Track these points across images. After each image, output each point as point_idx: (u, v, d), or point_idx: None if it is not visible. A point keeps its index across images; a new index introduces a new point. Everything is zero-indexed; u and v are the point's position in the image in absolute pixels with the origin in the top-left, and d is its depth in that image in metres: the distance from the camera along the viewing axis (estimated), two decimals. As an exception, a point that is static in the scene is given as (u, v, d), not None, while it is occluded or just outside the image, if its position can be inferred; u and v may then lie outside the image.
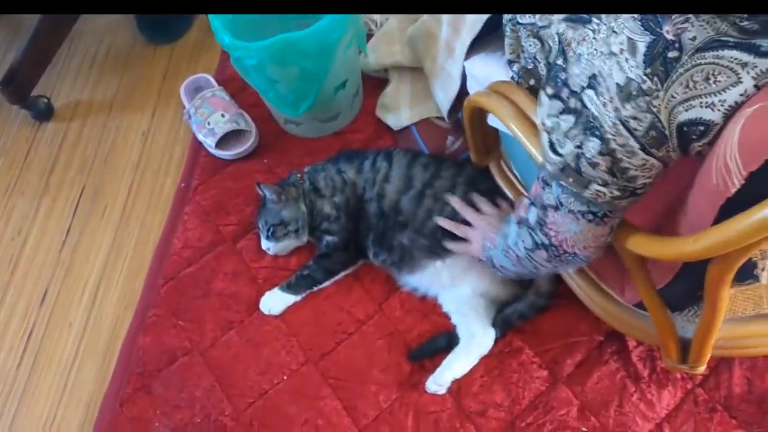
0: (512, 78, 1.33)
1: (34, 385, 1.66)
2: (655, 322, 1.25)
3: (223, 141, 1.87)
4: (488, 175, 1.62)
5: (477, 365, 1.48)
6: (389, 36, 1.91)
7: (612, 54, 0.83)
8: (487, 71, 1.44)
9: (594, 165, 0.89)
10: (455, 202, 1.52)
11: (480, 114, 1.47)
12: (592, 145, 0.88)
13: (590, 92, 0.87)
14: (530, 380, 1.47)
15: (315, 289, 1.64)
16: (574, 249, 1.03)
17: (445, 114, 1.71)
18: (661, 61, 0.80)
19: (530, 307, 1.52)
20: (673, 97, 0.81)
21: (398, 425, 1.46)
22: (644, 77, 0.81)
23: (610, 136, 0.86)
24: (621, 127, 0.85)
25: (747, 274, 1.12)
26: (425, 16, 1.73)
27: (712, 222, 0.91)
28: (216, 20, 1.63)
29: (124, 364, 1.64)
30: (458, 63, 1.54)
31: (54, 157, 2.03)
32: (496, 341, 1.49)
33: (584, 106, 0.88)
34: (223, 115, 1.87)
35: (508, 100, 1.29)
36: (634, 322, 1.36)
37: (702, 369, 1.30)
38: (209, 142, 1.87)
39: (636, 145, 0.86)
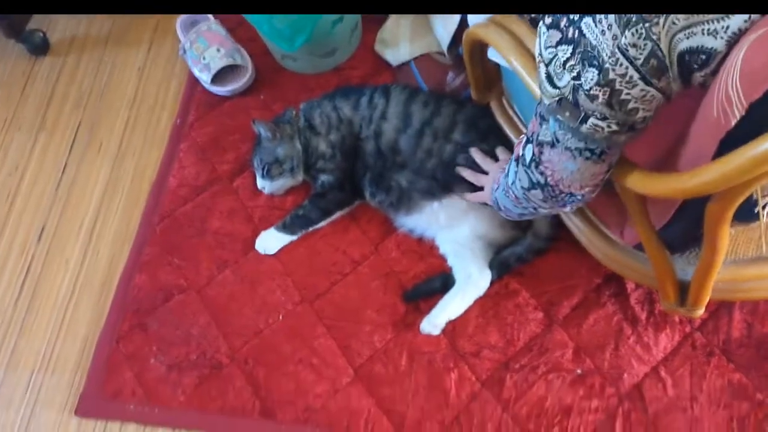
0: (514, 10, 1.28)
1: (32, 319, 1.67)
2: (654, 264, 1.23)
3: (219, 76, 1.82)
4: (489, 113, 1.57)
5: (472, 307, 1.47)
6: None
7: None
8: (488, 3, 1.39)
9: (592, 97, 0.85)
10: (476, 153, 1.47)
11: (480, 48, 1.41)
12: (590, 76, 0.83)
13: (588, 20, 0.82)
14: (525, 322, 1.46)
15: (311, 229, 1.62)
16: (570, 188, 0.99)
17: (445, 49, 1.65)
18: None
19: (528, 250, 1.49)
20: (673, 23, 0.76)
21: (392, 364, 1.46)
22: None
23: (608, 65, 0.81)
24: (620, 56, 0.80)
25: (749, 213, 1.08)
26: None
27: (713, 157, 0.88)
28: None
29: (120, 300, 1.64)
30: (458, -5, 1.48)
31: (50, 92, 1.99)
32: (493, 283, 1.47)
33: (582, 34, 0.83)
34: (218, 50, 1.82)
35: (507, 32, 1.24)
36: (633, 264, 1.33)
37: (700, 312, 1.27)
38: (205, 78, 1.82)
39: (636, 75, 0.81)
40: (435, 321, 1.45)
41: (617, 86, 0.82)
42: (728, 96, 0.80)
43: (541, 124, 0.97)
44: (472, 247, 1.49)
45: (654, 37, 0.78)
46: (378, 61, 1.83)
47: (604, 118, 0.87)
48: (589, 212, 1.37)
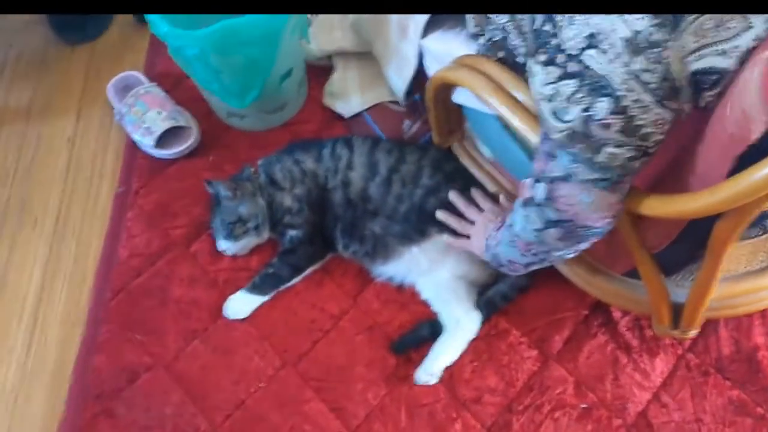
0: (477, 52, 1.29)
1: (-27, 424, 1.49)
2: (649, 289, 1.24)
3: (162, 140, 1.74)
4: (452, 156, 1.57)
5: (465, 351, 1.43)
6: (328, 23, 1.83)
7: None
8: (447, 48, 1.39)
9: (605, 126, 0.86)
10: (457, 199, 1.45)
11: (445, 92, 1.42)
12: (602, 105, 0.84)
13: (592, 52, 0.83)
14: (521, 361, 1.44)
15: (282, 287, 1.54)
16: (588, 221, 0.98)
17: (401, 97, 1.64)
18: None
19: (512, 287, 1.48)
20: (683, 47, 0.79)
21: (392, 422, 1.39)
22: (652, 29, 0.78)
23: (621, 93, 0.82)
24: (633, 82, 0.82)
25: (752, 227, 1.12)
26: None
27: (728, 173, 0.90)
28: (151, 9, 1.51)
29: (78, 388, 1.49)
30: (413, 42, 1.49)
31: (-32, 170, 1.84)
32: (482, 324, 1.45)
33: (587, 67, 0.84)
34: (159, 113, 1.74)
35: (479, 73, 1.24)
36: (621, 292, 1.35)
37: (694, 333, 1.30)
38: (148, 142, 1.73)
39: (650, 99, 0.83)
40: (431, 369, 1.41)
41: (631, 112, 0.84)
42: (745, 113, 0.83)
43: (549, 162, 0.96)
44: (455, 288, 1.47)
45: (665, 61, 0.80)
46: (327, 114, 1.80)
47: (619, 146, 0.88)
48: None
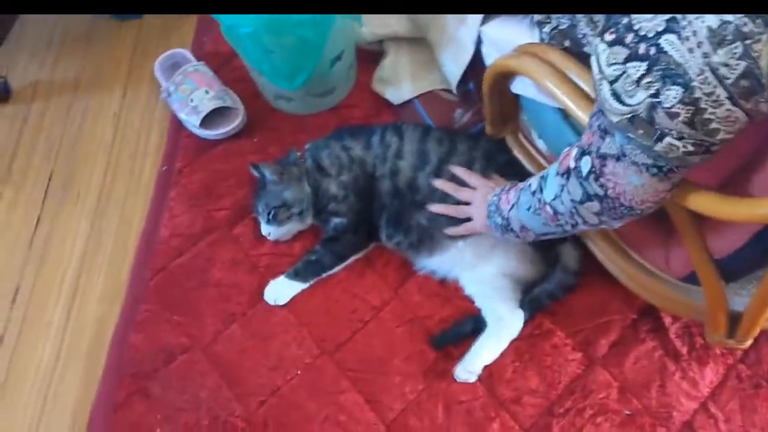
0: (542, 40, 1.25)
1: (9, 396, 1.48)
2: (708, 296, 1.19)
3: (208, 120, 1.71)
4: (505, 147, 1.53)
5: (507, 350, 1.39)
6: (382, 6, 1.79)
7: None
8: (508, 35, 1.35)
9: (673, 115, 0.80)
10: (444, 185, 1.43)
11: (502, 81, 1.37)
12: (673, 94, 0.79)
13: (671, 36, 0.77)
14: (565, 363, 1.39)
15: (324, 275, 1.52)
16: (632, 203, 0.95)
17: (454, 85, 1.60)
18: None
19: (559, 286, 1.44)
20: None
21: (428, 417, 1.36)
22: (746, 18, 0.72)
23: (696, 83, 0.77)
24: (709, 74, 0.76)
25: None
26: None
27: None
28: (205, -15, 1.49)
29: (114, 365, 1.48)
30: (472, 29, 1.44)
31: (15, 142, 1.83)
32: (525, 324, 1.41)
33: (662, 51, 0.78)
34: (207, 92, 1.72)
35: (543, 62, 1.20)
36: (676, 297, 1.29)
37: (749, 343, 1.24)
38: (193, 121, 1.71)
39: (724, 94, 0.77)
40: (471, 367, 1.37)
41: (702, 105, 0.78)
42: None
43: (603, 137, 0.92)
44: (499, 286, 1.43)
45: (754, 55, 0.74)
46: (377, 100, 1.76)
47: (681, 138, 0.83)
48: (626, 244, 1.33)
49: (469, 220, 1.38)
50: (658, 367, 1.38)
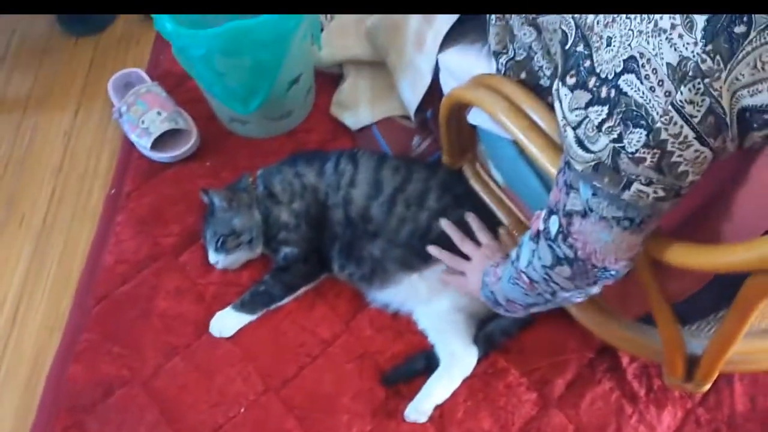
0: (498, 71, 1.21)
1: (-62, 428, 1.42)
2: (664, 339, 1.14)
3: (160, 142, 1.66)
4: (462, 178, 1.49)
5: (459, 388, 1.34)
6: (343, 28, 1.74)
7: (661, 30, 0.70)
8: (466, 64, 1.31)
9: (638, 160, 0.76)
10: (451, 231, 1.38)
11: (459, 111, 1.33)
12: (636, 138, 0.75)
13: (630, 77, 0.73)
14: (519, 404, 1.34)
15: (272, 306, 1.46)
16: (605, 262, 0.90)
17: (412, 113, 1.56)
18: (725, 37, 0.67)
19: (514, 323, 1.39)
20: (737, 79, 0.69)
21: (375, 459, 1.31)
22: (704, 56, 0.68)
23: (660, 125, 0.72)
24: (674, 114, 0.72)
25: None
26: (388, 6, 1.58)
27: (768, 229, 0.81)
28: (155, 5, 1.44)
29: (51, 397, 1.41)
30: (430, 56, 1.40)
31: (-41, 159, 1.77)
32: (479, 361, 1.36)
33: (622, 93, 0.74)
34: (159, 113, 1.67)
35: (499, 94, 1.16)
36: (633, 337, 1.25)
37: (707, 387, 1.20)
38: (144, 143, 1.66)
39: (691, 134, 0.73)
40: (421, 407, 1.32)
41: (669, 147, 0.74)
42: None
43: (568, 193, 0.88)
44: (454, 320, 1.38)
45: (715, 93, 0.70)
46: (333, 125, 1.72)
47: (649, 183, 0.78)
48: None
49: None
50: (615, 409, 1.33)
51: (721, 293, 1.01)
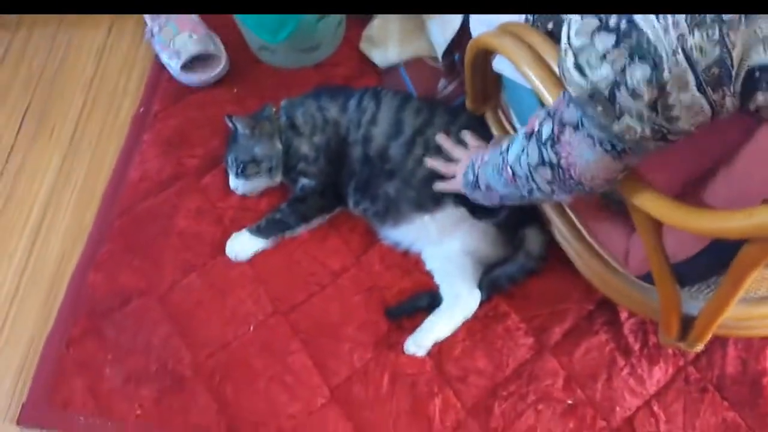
0: (527, 20, 1.21)
1: (-34, 319, 1.50)
2: (662, 297, 1.17)
3: (190, 65, 1.69)
4: (484, 124, 1.50)
5: (459, 328, 1.39)
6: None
7: None
8: (495, 11, 1.32)
9: (636, 96, 0.76)
10: (443, 140, 1.41)
11: (485, 57, 1.34)
12: (639, 73, 0.74)
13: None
14: (515, 347, 1.39)
15: (287, 235, 1.51)
16: (581, 177, 0.93)
17: (440, 55, 1.57)
18: None
19: (520, 270, 1.43)
20: (755, 32, 0.69)
21: (373, 386, 1.36)
22: None
23: (666, 64, 0.73)
24: (681, 56, 0.72)
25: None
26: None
27: (770, 195, 0.82)
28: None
29: (71, 302, 1.49)
30: (460, 1, 1.41)
31: (-6, 69, 1.81)
32: (482, 304, 1.40)
33: (634, 27, 0.75)
34: (191, 36, 1.69)
35: (524, 43, 1.16)
36: (633, 293, 1.28)
37: (700, 347, 1.24)
38: (174, 65, 1.69)
39: (693, 80, 0.73)
40: (421, 341, 1.37)
41: (668, 88, 0.74)
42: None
43: (568, 105, 0.89)
44: (461, 264, 1.41)
45: (728, 43, 0.71)
46: (362, 61, 1.73)
47: (640, 120, 0.79)
48: (590, 236, 1.32)
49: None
50: (608, 361, 1.37)
51: (720, 257, 1.03)
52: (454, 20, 1.47)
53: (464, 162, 1.33)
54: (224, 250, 1.51)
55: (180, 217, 1.55)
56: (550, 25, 1.16)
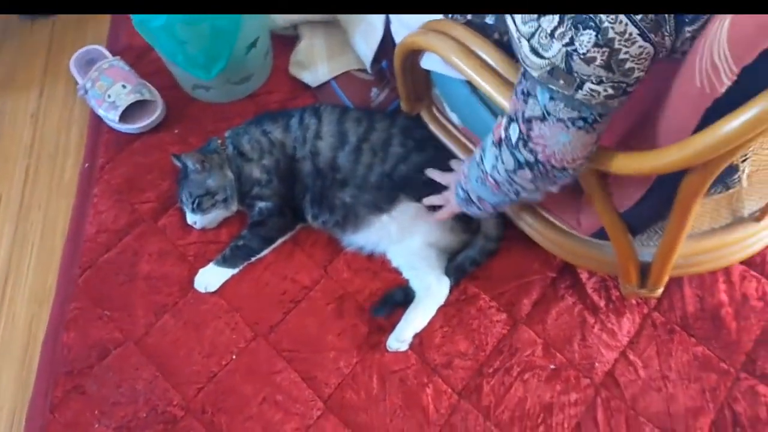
0: (445, 16, 1.28)
1: (-59, 403, 1.47)
2: (617, 249, 1.25)
3: (127, 114, 1.71)
4: (421, 123, 1.56)
5: (435, 316, 1.44)
6: (294, -10, 1.80)
7: None
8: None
9: (589, 60, 0.84)
10: (432, 174, 1.44)
11: (413, 58, 1.40)
12: (586, 39, 0.82)
13: None
14: (491, 325, 1.44)
15: (252, 259, 1.54)
16: (563, 163, 0.98)
17: (368, 65, 1.63)
18: None
19: (481, 252, 1.49)
20: None
21: (364, 389, 1.40)
22: None
23: (607, 24, 0.80)
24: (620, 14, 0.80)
25: (721, 182, 1.12)
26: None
27: (695, 128, 0.90)
28: (111, -20, 1.48)
29: (47, 365, 1.48)
30: (380, 10, 1.47)
31: (-72, 146, 1.80)
32: (451, 290, 1.46)
33: None
34: (124, 86, 1.72)
35: (449, 37, 1.23)
36: (589, 253, 1.35)
37: (660, 291, 1.31)
38: (112, 117, 1.70)
39: (635, 31, 0.80)
40: (402, 336, 1.41)
41: (616, 45, 0.82)
42: (714, 64, 0.82)
43: (526, 101, 0.95)
44: (425, 255, 1.47)
45: None
46: (294, 84, 1.78)
47: (600, 82, 0.86)
48: (540, 207, 1.38)
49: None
50: (579, 322, 1.44)
51: (664, 200, 1.11)
52: (377, 29, 1.54)
53: (453, 184, 1.37)
54: (193, 286, 1.52)
55: (143, 262, 1.56)
56: (469, 16, 1.23)
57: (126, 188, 1.66)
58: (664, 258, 1.21)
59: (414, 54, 1.39)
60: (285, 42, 1.83)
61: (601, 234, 1.27)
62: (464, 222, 1.48)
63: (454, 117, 1.50)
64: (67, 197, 1.69)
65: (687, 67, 0.89)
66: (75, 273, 1.57)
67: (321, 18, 1.75)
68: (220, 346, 1.46)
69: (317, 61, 1.75)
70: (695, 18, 0.81)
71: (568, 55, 0.84)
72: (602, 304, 1.45)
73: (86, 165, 1.72)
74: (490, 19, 1.19)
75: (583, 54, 0.83)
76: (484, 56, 1.17)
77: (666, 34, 0.82)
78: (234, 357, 1.45)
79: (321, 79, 1.73)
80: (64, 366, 1.47)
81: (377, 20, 1.51)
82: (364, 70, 1.69)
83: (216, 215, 1.57)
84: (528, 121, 0.96)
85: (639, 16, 0.79)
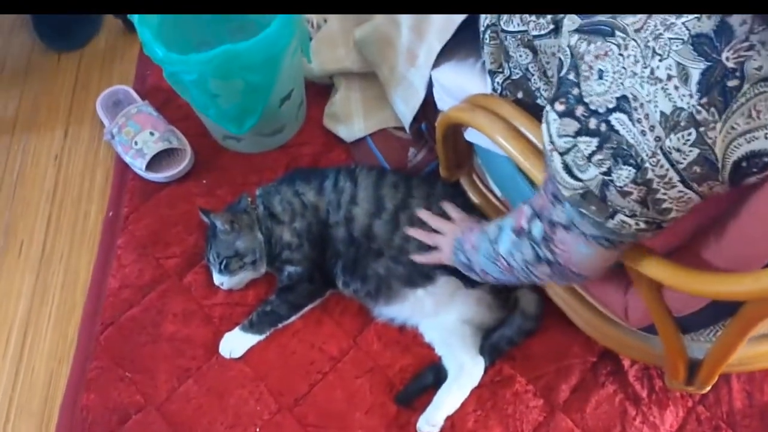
0: (494, 90, 1.23)
1: (-44, 461, 1.43)
2: (666, 347, 1.19)
3: (155, 162, 1.66)
4: (461, 191, 1.51)
5: (468, 399, 1.38)
6: (331, 39, 1.74)
7: (657, 79, 0.73)
8: (460, 81, 1.34)
9: (625, 194, 0.79)
10: (425, 216, 1.41)
11: (455, 129, 1.35)
12: (625, 174, 0.78)
13: (622, 116, 0.76)
14: (527, 411, 1.39)
15: (280, 326, 1.48)
16: (581, 270, 0.96)
17: (407, 125, 1.57)
18: (719, 90, 0.70)
19: (518, 331, 1.43)
20: (733, 128, 0.72)
21: (391, 473, 1.35)
22: (699, 107, 0.71)
23: (648, 165, 0.76)
24: (662, 158, 0.75)
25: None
26: (378, 18, 1.58)
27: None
28: (145, 31, 1.44)
29: (66, 426, 1.44)
30: (423, 71, 1.42)
31: (-52, 186, 1.76)
32: (486, 370, 1.40)
33: (613, 130, 0.77)
34: (152, 134, 1.67)
35: (496, 116, 1.17)
36: (635, 344, 1.29)
37: (708, 388, 1.26)
38: (138, 165, 1.66)
39: (676, 177, 0.76)
40: (432, 419, 1.36)
41: (654, 185, 0.78)
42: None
43: (554, 204, 0.92)
44: (460, 333, 1.41)
45: (708, 142, 0.73)
46: (327, 137, 1.73)
47: (633, 215, 0.82)
48: (586, 293, 1.33)
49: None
50: (619, 412, 1.38)
51: (725, 310, 1.06)
52: (418, 92, 1.48)
53: (449, 235, 1.34)
54: (218, 350, 1.48)
55: (167, 322, 1.51)
56: (519, 94, 1.18)
57: (151, 241, 1.61)
58: (716, 362, 1.16)
59: (457, 126, 1.33)
60: (320, 91, 1.78)
61: (649, 328, 1.22)
62: (502, 299, 1.43)
63: (496, 189, 1.45)
64: (90, 247, 1.64)
65: (762, 195, 0.84)
66: (96, 329, 1.52)
67: (358, 70, 1.70)
68: (243, 417, 1.41)
69: (353, 115, 1.69)
70: (766, 166, 0.75)
71: (605, 184, 0.80)
72: (644, 394, 1.39)
73: (110, 213, 1.67)
74: (542, 101, 1.14)
75: (620, 186, 0.79)
76: (534, 139, 1.12)
77: (715, 184, 0.77)
78: (258, 430, 1.40)
79: (357, 135, 1.68)
80: (83, 429, 1.43)
81: (419, 83, 1.45)
82: (401, 128, 1.64)
83: (243, 277, 1.52)
84: (552, 223, 0.93)
85: (683, 165, 0.74)
